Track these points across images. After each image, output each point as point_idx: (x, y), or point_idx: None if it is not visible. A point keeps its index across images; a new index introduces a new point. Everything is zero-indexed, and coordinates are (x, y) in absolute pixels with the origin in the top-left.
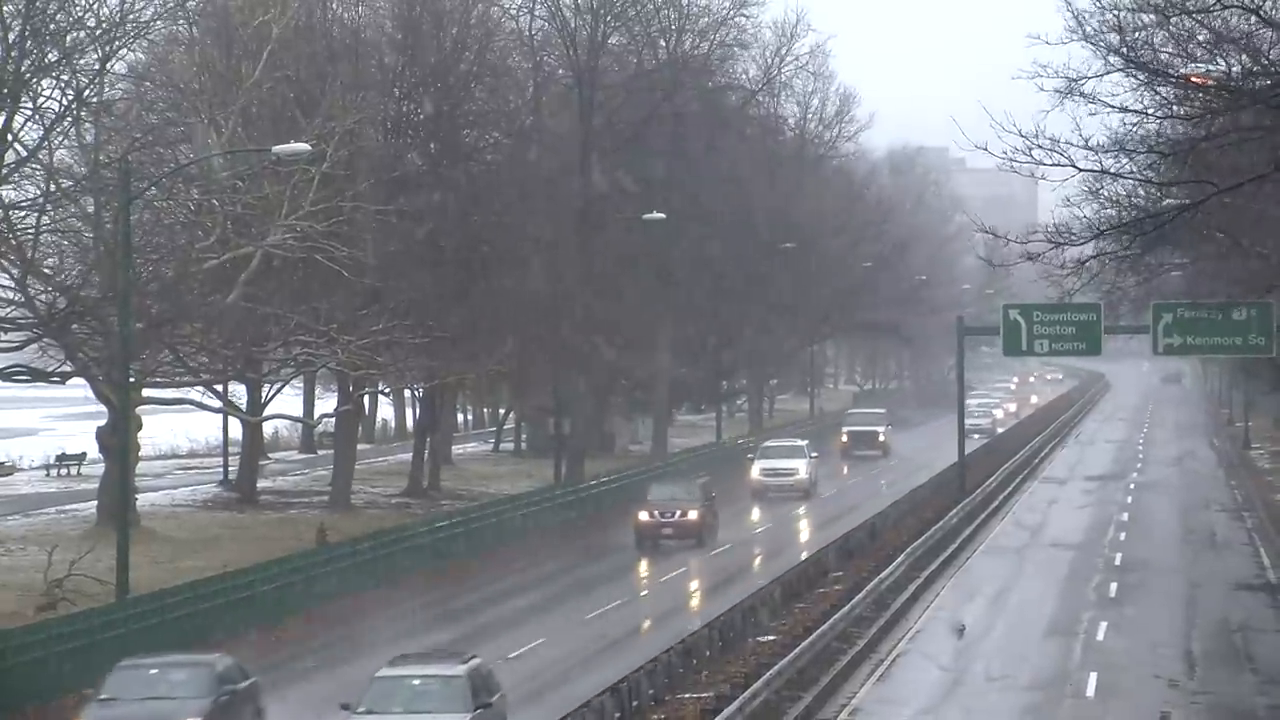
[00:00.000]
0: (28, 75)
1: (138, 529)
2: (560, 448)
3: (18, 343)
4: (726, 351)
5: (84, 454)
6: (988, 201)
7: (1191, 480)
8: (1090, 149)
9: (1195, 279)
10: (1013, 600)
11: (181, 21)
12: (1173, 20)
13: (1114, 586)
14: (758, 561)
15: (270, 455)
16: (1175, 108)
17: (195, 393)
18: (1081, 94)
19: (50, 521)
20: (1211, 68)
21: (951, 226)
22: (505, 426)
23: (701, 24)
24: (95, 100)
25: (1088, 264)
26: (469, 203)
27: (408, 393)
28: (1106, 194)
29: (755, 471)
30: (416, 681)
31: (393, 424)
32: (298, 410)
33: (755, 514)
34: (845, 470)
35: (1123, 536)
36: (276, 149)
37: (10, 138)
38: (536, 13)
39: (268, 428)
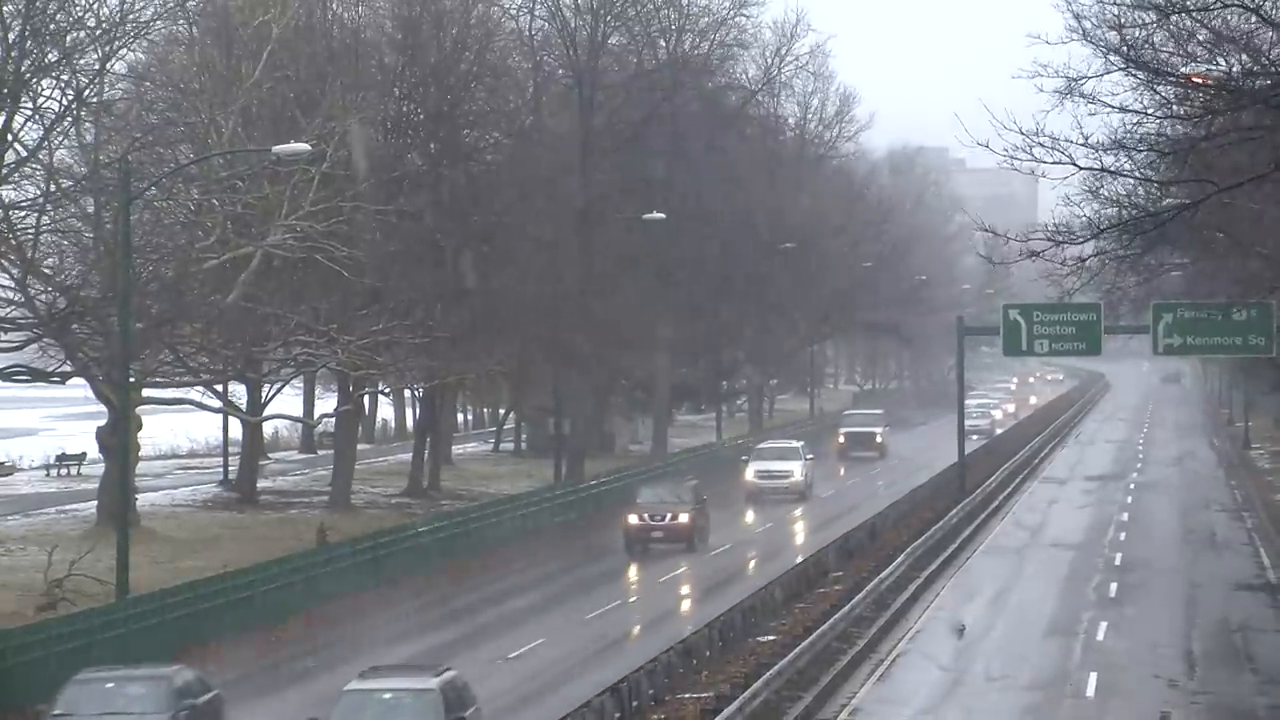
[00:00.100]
0: (28, 75)
1: (138, 529)
2: (560, 448)
3: (18, 343)
4: (726, 351)
5: (84, 454)
6: (988, 201)
7: (1191, 480)
8: (1090, 147)
9: (1195, 279)
10: (1013, 600)
11: (181, 21)
12: (1172, 19)
13: (1114, 586)
14: (757, 562)
15: (270, 455)
16: (1175, 107)
17: (195, 393)
18: (1081, 94)
19: (50, 521)
20: (1211, 67)
21: (951, 226)
22: (505, 426)
23: (701, 24)
24: (95, 100)
25: (1088, 263)
26: (469, 203)
27: (408, 393)
28: (1107, 193)
29: (749, 473)
30: (387, 695)
31: (393, 424)
32: (298, 410)
33: (755, 515)
34: (842, 471)
35: (1123, 536)
36: (276, 149)
37: (10, 138)
38: (536, 13)
39: (268, 428)
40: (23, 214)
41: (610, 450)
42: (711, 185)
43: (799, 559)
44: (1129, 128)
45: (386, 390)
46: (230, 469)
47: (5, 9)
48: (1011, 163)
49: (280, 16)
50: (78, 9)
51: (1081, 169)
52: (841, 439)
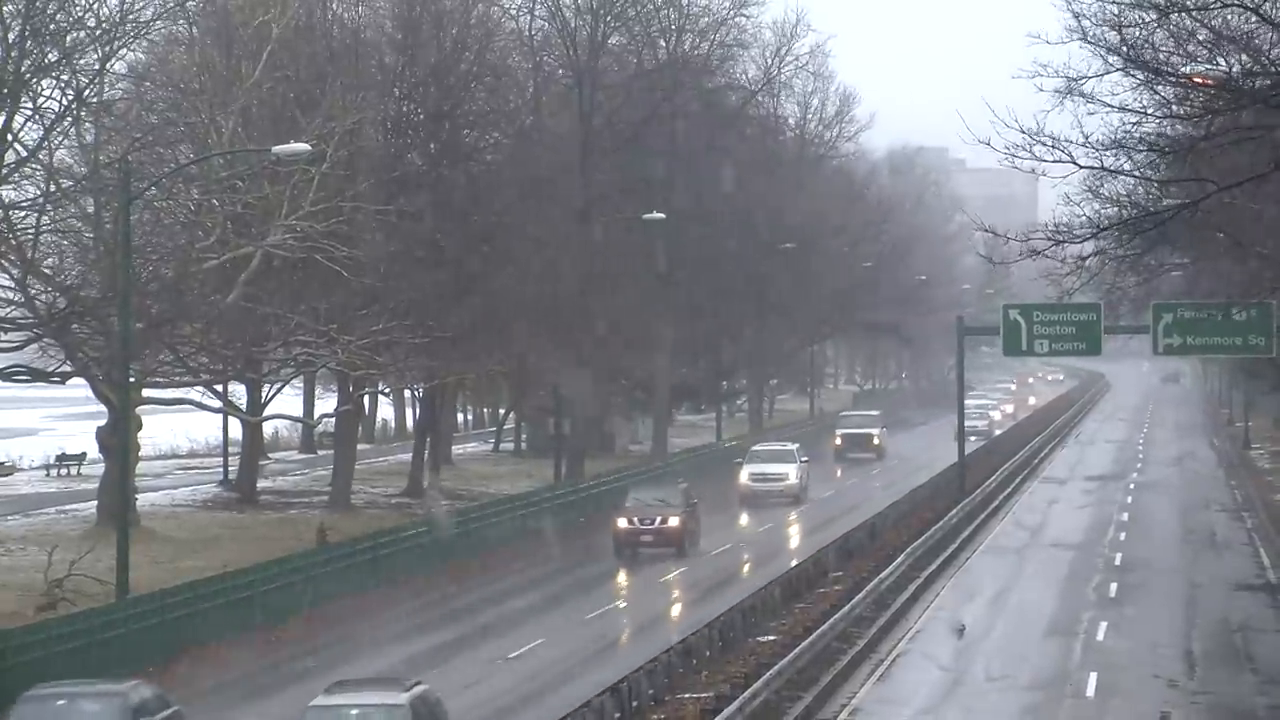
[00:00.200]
0: (28, 75)
1: (138, 529)
2: (560, 448)
3: (18, 343)
4: (726, 351)
5: (84, 454)
6: (988, 201)
7: (1191, 480)
8: (1091, 146)
9: (1195, 279)
10: (1013, 600)
11: (181, 21)
12: (1172, 19)
13: (1114, 586)
14: (757, 563)
15: (270, 455)
16: (1175, 107)
17: (195, 393)
18: (1081, 93)
19: (50, 521)
20: (1211, 67)
21: (951, 226)
22: (505, 426)
23: (701, 24)
24: (95, 100)
25: (1088, 262)
26: (469, 203)
27: (408, 393)
28: (1107, 192)
29: (744, 476)
30: (354, 712)
31: (393, 424)
32: (298, 410)
33: (754, 516)
34: (840, 473)
35: (1123, 536)
36: (276, 149)
37: (10, 138)
38: (536, 13)
39: (268, 428)
40: (23, 214)
41: (610, 450)
42: (711, 185)
43: (798, 560)
44: (1129, 127)
45: (386, 390)
46: (230, 469)
47: (5, 9)
48: (1012, 161)
49: (280, 16)
50: (78, 9)
51: (1082, 167)
52: (838, 440)
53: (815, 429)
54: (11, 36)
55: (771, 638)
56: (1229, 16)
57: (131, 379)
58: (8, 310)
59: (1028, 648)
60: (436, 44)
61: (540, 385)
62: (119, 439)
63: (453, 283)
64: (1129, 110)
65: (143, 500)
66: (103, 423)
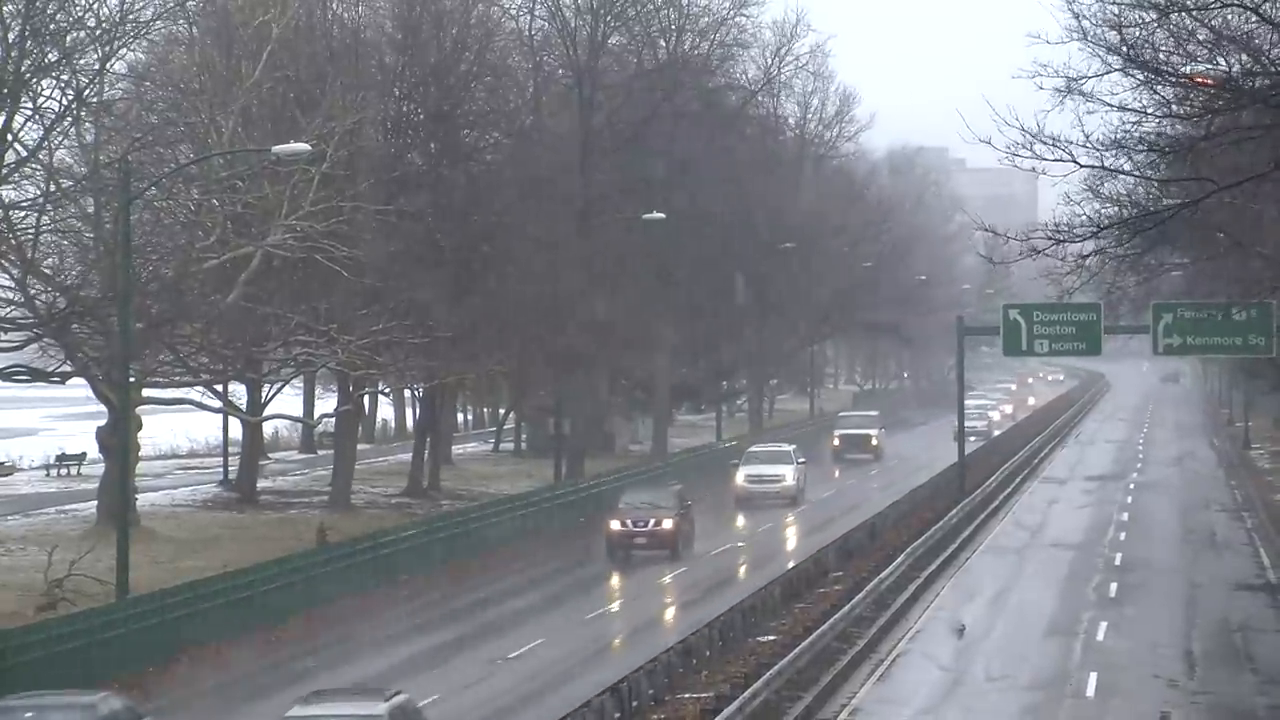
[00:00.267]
0: (28, 75)
1: (138, 529)
2: (560, 448)
3: (18, 343)
4: (726, 351)
5: (84, 454)
6: (988, 201)
7: (1191, 480)
8: (1091, 145)
9: (1195, 279)
10: (1013, 600)
11: (181, 21)
12: (1172, 18)
13: (1114, 586)
14: (756, 564)
15: (270, 455)
16: (1175, 107)
17: (195, 393)
18: (1081, 93)
19: (50, 521)
20: (1211, 67)
21: (951, 226)
22: (505, 426)
23: (701, 24)
24: (95, 100)
25: (1088, 262)
26: (469, 203)
27: (408, 393)
28: (1107, 192)
29: (739, 478)
30: None
31: (393, 424)
32: (298, 410)
33: (752, 517)
34: (838, 473)
35: (1123, 536)
36: (276, 149)
37: (10, 138)
38: (536, 13)
39: (268, 428)
40: (23, 214)
41: (610, 450)
42: (711, 185)
43: (797, 560)
44: (1129, 127)
45: (386, 390)
46: (230, 469)
47: (5, 9)
48: (1013, 160)
49: (280, 16)
50: (78, 9)
51: (1082, 166)
52: (836, 441)
53: (815, 429)
54: (11, 36)
55: (771, 638)
56: (1229, 16)
57: (131, 379)
58: (8, 310)
59: (1028, 648)
60: (436, 44)
61: (540, 385)
62: (119, 439)
63: (453, 283)
64: (1129, 110)
65: (143, 500)
66: (103, 423)
